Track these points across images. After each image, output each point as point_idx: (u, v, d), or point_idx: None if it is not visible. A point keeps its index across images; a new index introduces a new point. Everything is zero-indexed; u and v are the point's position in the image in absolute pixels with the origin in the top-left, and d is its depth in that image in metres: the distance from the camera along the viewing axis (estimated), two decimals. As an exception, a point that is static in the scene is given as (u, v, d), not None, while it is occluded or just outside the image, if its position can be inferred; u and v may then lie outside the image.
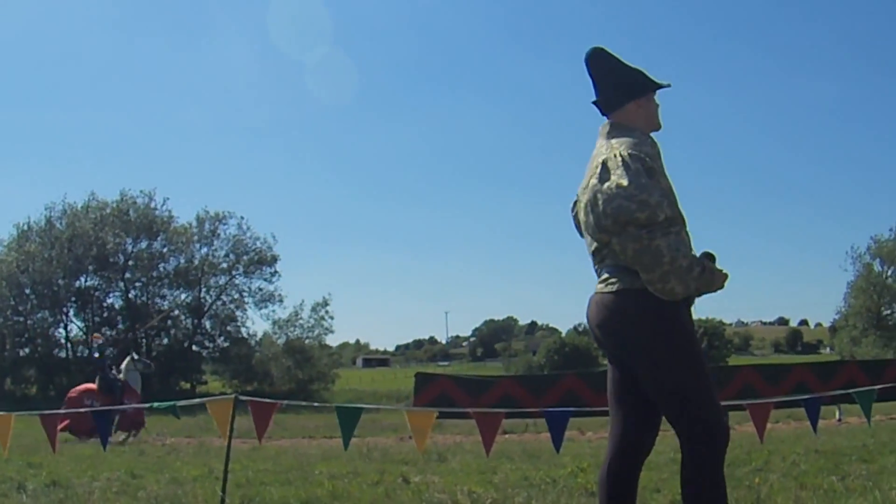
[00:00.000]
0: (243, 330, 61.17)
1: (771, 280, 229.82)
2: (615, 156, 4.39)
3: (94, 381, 21.18)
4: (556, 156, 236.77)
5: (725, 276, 4.61)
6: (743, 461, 10.04)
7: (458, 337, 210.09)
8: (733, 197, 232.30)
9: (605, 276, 4.55)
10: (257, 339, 61.79)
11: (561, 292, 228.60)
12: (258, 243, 60.48)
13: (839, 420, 21.60)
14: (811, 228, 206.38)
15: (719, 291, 4.64)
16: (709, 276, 4.44)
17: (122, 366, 21.42)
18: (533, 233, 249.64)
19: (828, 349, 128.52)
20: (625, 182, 4.24)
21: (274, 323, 61.53)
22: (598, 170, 4.42)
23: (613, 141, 4.53)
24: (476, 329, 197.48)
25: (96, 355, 22.33)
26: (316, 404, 10.16)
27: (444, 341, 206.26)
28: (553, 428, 7.48)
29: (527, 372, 78.86)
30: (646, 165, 4.35)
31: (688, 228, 4.63)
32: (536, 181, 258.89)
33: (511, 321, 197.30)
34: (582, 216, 4.63)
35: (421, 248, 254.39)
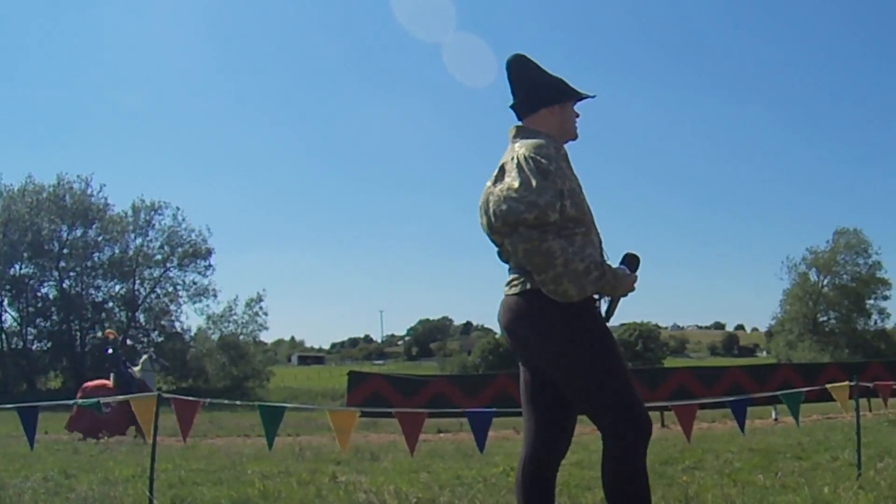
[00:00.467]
0: (177, 324, 60.68)
1: (708, 285, 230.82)
2: (512, 158, 4.42)
3: (106, 378, 21.04)
4: (490, 158, 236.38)
5: (633, 279, 4.58)
6: (675, 460, 10.16)
7: (393, 336, 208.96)
8: (674, 204, 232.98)
9: (511, 277, 4.55)
10: (192, 334, 61.28)
11: (496, 293, 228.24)
12: (193, 235, 59.94)
13: (775, 420, 21.89)
14: (748, 236, 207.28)
15: (632, 294, 4.61)
16: (611, 279, 4.39)
17: (139, 364, 21.38)
18: (469, 234, 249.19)
19: (764, 353, 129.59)
20: (515, 184, 4.27)
21: (208, 318, 61.05)
22: (496, 172, 4.49)
23: (517, 144, 4.56)
24: (411, 328, 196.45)
25: (109, 351, 21.72)
26: (238, 403, 10.09)
27: (379, 340, 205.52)
28: (476, 429, 7.54)
29: (461, 372, 79.13)
30: (540, 167, 4.33)
31: (598, 230, 4.64)
32: (473, 183, 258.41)
33: (446, 321, 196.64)
34: (481, 219, 4.61)
35: (357, 245, 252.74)
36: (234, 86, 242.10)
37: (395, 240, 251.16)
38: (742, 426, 8.44)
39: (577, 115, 4.88)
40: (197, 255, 60.24)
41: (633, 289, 4.59)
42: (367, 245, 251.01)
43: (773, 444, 11.95)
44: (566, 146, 4.75)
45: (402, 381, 23.34)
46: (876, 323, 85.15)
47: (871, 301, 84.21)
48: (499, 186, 4.36)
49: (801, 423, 11.51)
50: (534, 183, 4.25)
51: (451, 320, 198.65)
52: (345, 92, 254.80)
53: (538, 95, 4.77)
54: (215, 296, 60.53)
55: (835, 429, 14.62)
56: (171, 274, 60.53)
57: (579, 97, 4.86)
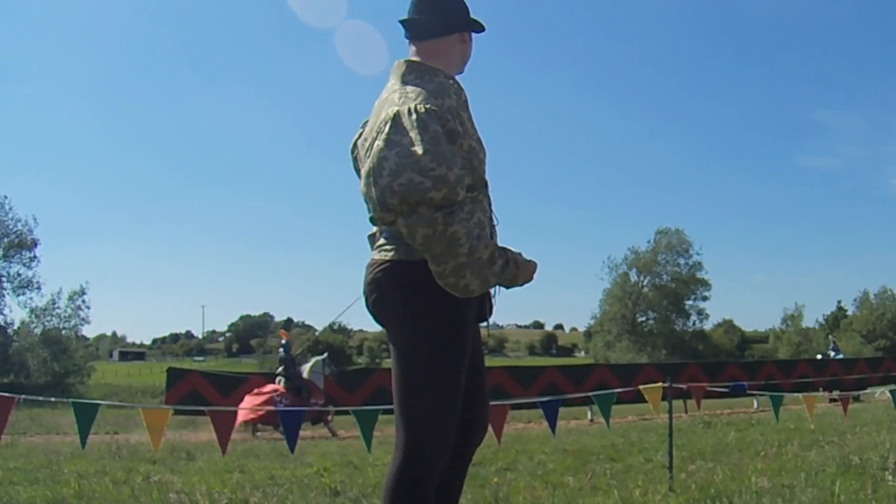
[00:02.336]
0: (0, 318, 58.99)
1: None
2: (409, 111, 3.62)
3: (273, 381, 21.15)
4: (318, 155, 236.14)
5: (534, 267, 4.03)
6: (489, 460, 10.16)
7: (214, 332, 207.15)
8: (494, 199, 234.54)
9: (382, 241, 3.90)
10: (14, 327, 59.63)
11: (317, 290, 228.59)
12: (19, 225, 58.25)
13: (591, 421, 22.22)
14: (570, 235, 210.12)
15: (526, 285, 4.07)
16: (513, 268, 3.88)
17: (308, 366, 21.19)
18: (291, 231, 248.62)
19: (582, 353, 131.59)
20: (419, 150, 3.49)
21: (31, 311, 59.44)
22: (387, 127, 3.63)
23: (409, 88, 3.78)
24: (232, 324, 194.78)
25: (282, 352, 21.56)
26: (53, 399, 9.90)
27: (200, 336, 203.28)
28: (287, 428, 7.48)
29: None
30: (447, 126, 3.64)
31: (489, 192, 4.02)
32: (298, 181, 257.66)
33: (267, 317, 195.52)
34: (362, 186, 3.77)
35: (179, 240, 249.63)
36: (64, 74, 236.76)
37: (218, 234, 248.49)
38: (553, 427, 8.31)
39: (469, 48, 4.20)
40: (22, 245, 58.24)
41: (531, 278, 4.06)
42: (189, 239, 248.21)
43: (588, 446, 12.16)
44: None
45: (220, 379, 23.11)
46: (695, 324, 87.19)
47: (691, 302, 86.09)
48: (395, 151, 3.53)
49: (617, 425, 11.76)
50: (442, 150, 3.53)
51: (272, 316, 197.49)
52: (175, 81, 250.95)
53: (450, 17, 4.07)
54: (39, 288, 59.01)
55: (650, 430, 14.91)
56: (-5, 265, 58.78)
57: (480, 28, 4.19)
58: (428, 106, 3.64)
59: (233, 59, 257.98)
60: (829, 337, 30.06)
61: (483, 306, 4.01)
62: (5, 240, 57.65)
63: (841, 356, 31.48)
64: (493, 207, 4.08)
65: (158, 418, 7.37)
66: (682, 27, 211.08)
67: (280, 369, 21.14)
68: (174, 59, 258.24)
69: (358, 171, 4.04)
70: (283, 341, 22.49)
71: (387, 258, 3.80)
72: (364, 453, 9.77)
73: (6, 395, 7.16)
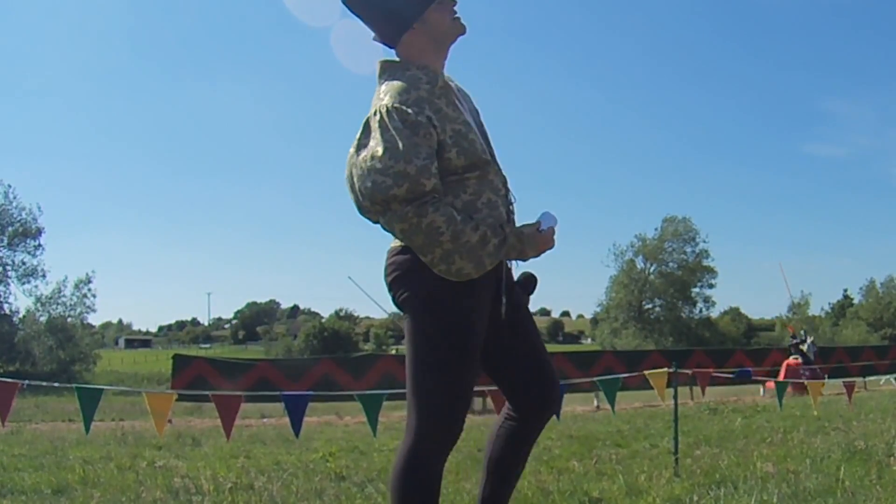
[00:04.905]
0: (6, 306, 59.01)
1: (533, 271, 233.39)
2: (375, 113, 3.68)
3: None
4: (322, 146, 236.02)
5: (547, 237, 3.95)
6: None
7: (220, 319, 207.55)
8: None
9: None
10: (20, 316, 59.68)
11: (323, 277, 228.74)
12: (23, 214, 58.26)
13: (597, 407, 22.24)
14: (577, 222, 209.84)
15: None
16: (515, 244, 3.88)
17: (806, 345, 27.30)
18: (297, 218, 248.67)
19: (589, 340, 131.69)
20: (379, 150, 3.57)
21: (37, 300, 59.48)
22: (359, 132, 3.73)
23: (382, 89, 3.81)
24: (238, 311, 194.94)
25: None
26: (57, 385, 9.90)
27: (206, 323, 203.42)
28: (292, 413, 7.47)
29: (286, 355, 78.74)
30: (407, 121, 3.62)
31: (500, 167, 3.97)
32: (304, 170, 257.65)
33: (273, 304, 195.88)
34: (350, 196, 3.79)
35: (185, 228, 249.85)
36: (69, 61, 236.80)
37: (224, 222, 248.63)
38: (558, 413, 8.33)
39: (453, 4, 3.94)
40: (27, 234, 58.24)
41: (546, 248, 3.99)
42: (195, 227, 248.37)
43: (593, 432, 12.16)
44: (457, 41, 3.98)
45: (226, 365, 23.18)
46: (701, 311, 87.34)
47: (697, 289, 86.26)
48: (362, 155, 3.64)
49: (623, 411, 11.73)
50: (400, 146, 3.56)
51: (278, 304, 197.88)
52: (181, 71, 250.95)
53: (391, 21, 3.92)
54: (44, 276, 59.07)
55: (656, 417, 14.92)
56: (0, 254, 58.81)
57: None
58: (389, 104, 3.67)
59: (236, 51, 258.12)
60: (802, 331, 29.77)
61: (502, 286, 3.93)
62: (10, 228, 57.73)
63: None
64: (510, 186, 4.04)
65: (162, 403, 7.36)
66: (689, 15, 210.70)
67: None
68: (180, 49, 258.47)
69: None
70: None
71: (398, 243, 3.80)
72: (370, 438, 9.80)
73: (9, 380, 7.15)
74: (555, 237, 3.99)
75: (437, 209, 3.58)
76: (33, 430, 14.87)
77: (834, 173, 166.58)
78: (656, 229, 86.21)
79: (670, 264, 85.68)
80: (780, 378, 23.55)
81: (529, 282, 4.15)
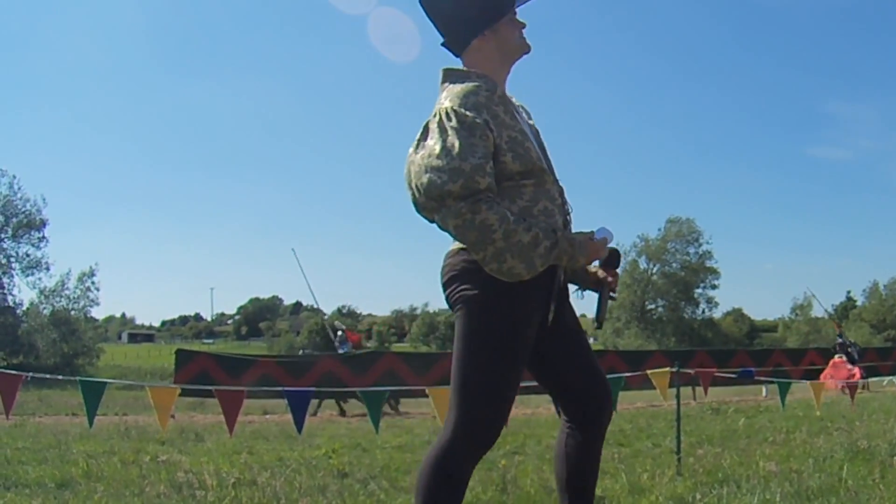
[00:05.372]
0: (9, 298, 58.85)
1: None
2: (435, 115, 3.80)
3: None
4: (324, 142, 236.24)
5: (599, 245, 3.99)
6: (497, 444, 10.12)
7: (223, 314, 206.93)
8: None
9: None
10: (23, 308, 59.51)
11: (328, 273, 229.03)
12: (28, 206, 58.06)
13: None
14: (577, 223, 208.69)
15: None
16: (567, 248, 3.81)
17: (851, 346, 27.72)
18: (300, 215, 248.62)
19: (591, 340, 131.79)
20: (437, 148, 3.67)
21: (40, 292, 59.31)
22: (419, 134, 3.83)
23: (442, 95, 3.92)
24: (241, 307, 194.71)
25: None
26: (61, 377, 9.92)
27: (209, 318, 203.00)
28: (294, 409, 7.47)
29: (288, 352, 78.58)
30: (465, 122, 3.71)
31: (556, 178, 4.06)
32: (307, 166, 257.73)
33: (276, 300, 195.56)
34: (409, 194, 3.86)
35: (189, 223, 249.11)
36: (74, 53, 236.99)
37: (227, 217, 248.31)
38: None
39: (523, 25, 4.11)
40: (31, 226, 57.91)
41: (598, 256, 4.06)
42: (199, 222, 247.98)
43: (596, 431, 12.11)
44: (520, 61, 4.14)
45: (229, 361, 23.17)
46: (704, 312, 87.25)
47: (700, 290, 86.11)
48: (420, 153, 3.75)
49: (626, 411, 11.73)
50: (457, 145, 3.66)
51: (281, 299, 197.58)
52: (186, 68, 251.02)
53: (461, 26, 4.05)
54: (48, 269, 58.83)
55: (658, 417, 14.92)
56: (4, 245, 58.30)
57: (513, 3, 4.08)
58: (448, 106, 3.76)
59: (240, 47, 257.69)
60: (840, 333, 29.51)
61: (553, 293, 3.97)
62: (14, 220, 57.32)
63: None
64: (567, 197, 4.14)
65: (166, 397, 7.37)
66: (693, 17, 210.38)
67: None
68: (186, 45, 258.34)
69: None
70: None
71: (457, 245, 3.86)
72: (372, 435, 9.80)
73: (13, 372, 7.15)
74: (607, 248, 4.06)
75: (491, 207, 3.63)
76: (37, 424, 14.86)
77: (837, 175, 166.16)
78: (659, 230, 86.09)
79: (673, 265, 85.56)
80: (827, 377, 23.87)
81: (614, 257, 4.22)
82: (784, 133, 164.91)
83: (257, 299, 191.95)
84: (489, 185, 3.67)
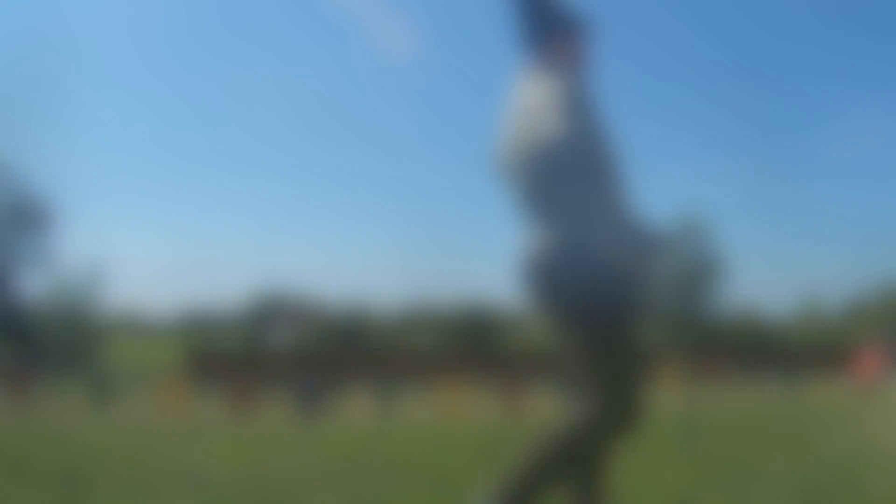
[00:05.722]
0: (18, 291, 58.94)
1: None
2: (538, 95, 3.73)
3: None
4: (326, 141, 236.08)
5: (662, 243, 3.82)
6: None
7: (232, 309, 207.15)
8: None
9: None
10: (30, 301, 59.53)
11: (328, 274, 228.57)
12: (36, 199, 57.93)
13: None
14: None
15: None
16: (648, 244, 3.76)
17: None
18: (303, 212, 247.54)
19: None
20: (555, 126, 3.55)
21: (49, 285, 59.44)
22: (527, 116, 3.72)
23: (537, 80, 3.83)
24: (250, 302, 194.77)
25: None
26: (69, 370, 10.04)
27: (219, 313, 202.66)
28: (303, 402, 7.45)
29: (294, 347, 78.62)
30: (571, 105, 3.63)
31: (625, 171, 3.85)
32: (311, 164, 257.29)
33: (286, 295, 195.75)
34: (505, 176, 3.83)
35: (197, 218, 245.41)
36: (79, 48, 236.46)
37: (231, 213, 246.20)
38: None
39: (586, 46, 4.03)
40: (39, 219, 57.66)
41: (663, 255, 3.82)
42: (208, 217, 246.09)
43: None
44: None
45: (238, 355, 23.27)
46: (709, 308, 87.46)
47: (706, 286, 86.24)
48: (542, 133, 3.59)
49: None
50: (567, 125, 3.55)
51: (290, 294, 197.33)
52: (190, 64, 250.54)
53: (542, 28, 3.95)
54: (55, 262, 58.93)
55: (665, 410, 14.92)
56: (11, 238, 58.33)
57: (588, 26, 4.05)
58: (553, 90, 3.69)
59: (246, 44, 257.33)
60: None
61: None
62: (23, 213, 57.51)
63: None
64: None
65: (175, 391, 7.39)
66: (697, 9, 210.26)
67: None
68: (190, 42, 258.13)
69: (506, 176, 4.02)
70: None
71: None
72: (381, 428, 9.81)
73: (23, 365, 7.18)
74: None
75: (592, 190, 3.57)
76: (46, 415, 14.94)
77: (843, 174, 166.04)
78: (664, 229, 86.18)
79: (678, 262, 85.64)
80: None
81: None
82: (790, 131, 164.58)
83: (266, 293, 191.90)
84: (595, 165, 3.63)
